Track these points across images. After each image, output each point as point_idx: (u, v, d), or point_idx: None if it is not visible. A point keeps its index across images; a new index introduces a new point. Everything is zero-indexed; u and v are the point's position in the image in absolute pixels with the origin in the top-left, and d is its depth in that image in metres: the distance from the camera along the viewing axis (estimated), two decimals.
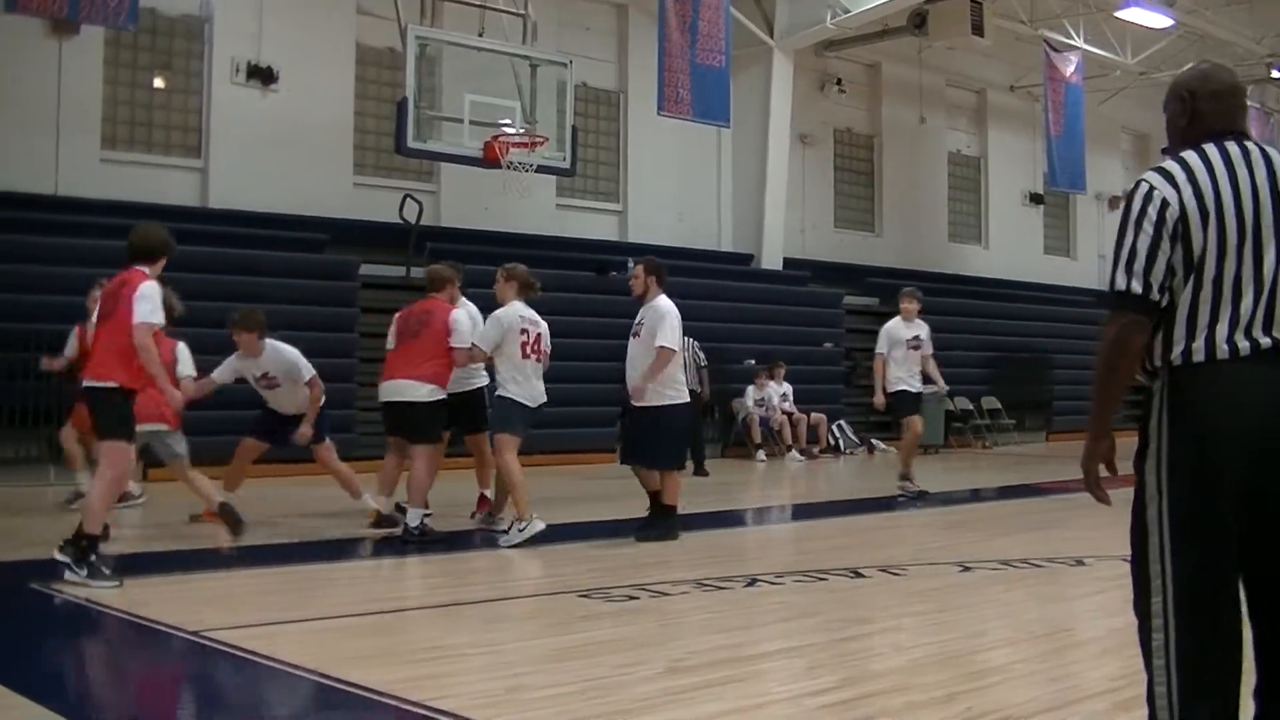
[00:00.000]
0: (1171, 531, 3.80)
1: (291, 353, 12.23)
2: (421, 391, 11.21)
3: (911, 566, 9.57)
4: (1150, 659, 3.87)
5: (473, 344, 11.19)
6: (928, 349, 15.20)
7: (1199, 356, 3.77)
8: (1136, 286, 3.79)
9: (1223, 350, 3.74)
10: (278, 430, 12.41)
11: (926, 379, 15.37)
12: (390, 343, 11.92)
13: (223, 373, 12.39)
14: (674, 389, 11.19)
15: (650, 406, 10.99)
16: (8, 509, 13.14)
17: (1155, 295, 3.79)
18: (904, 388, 14.91)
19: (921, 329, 15.26)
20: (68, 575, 8.15)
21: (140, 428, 9.33)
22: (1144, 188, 3.86)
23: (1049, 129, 27.01)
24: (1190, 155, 3.91)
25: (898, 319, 15.30)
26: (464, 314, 11.73)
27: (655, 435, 11.15)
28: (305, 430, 12.15)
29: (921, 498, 14.77)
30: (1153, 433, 3.86)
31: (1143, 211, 3.83)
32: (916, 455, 15.52)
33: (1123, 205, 3.91)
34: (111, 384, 8.60)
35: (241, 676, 6.12)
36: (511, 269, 11.55)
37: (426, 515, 10.88)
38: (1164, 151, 4.12)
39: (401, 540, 10.71)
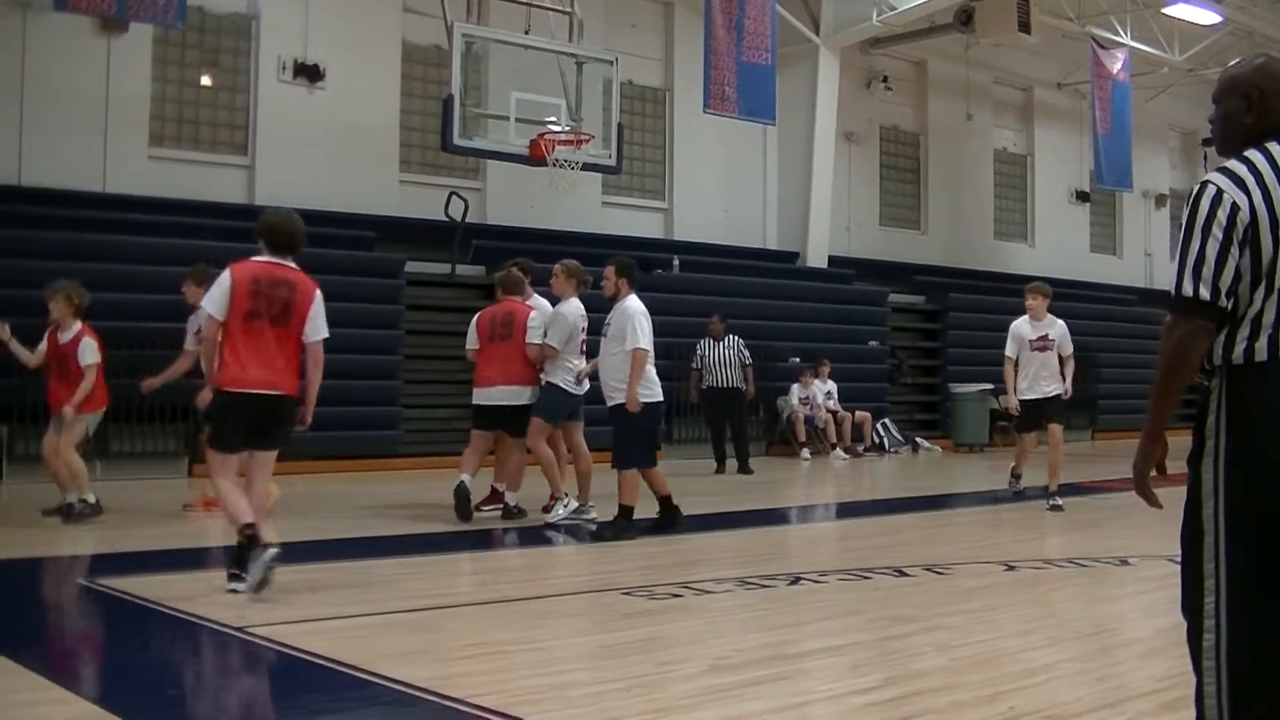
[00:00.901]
0: (1226, 531, 3.75)
1: None
2: (524, 395, 11.97)
3: (956, 565, 9.53)
4: (1200, 660, 3.84)
5: (543, 342, 11.71)
6: (1065, 348, 13.81)
7: (1261, 356, 3.72)
8: (1205, 293, 3.72)
9: None
10: None
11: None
12: (473, 343, 12.39)
13: None
14: (645, 389, 10.92)
15: (615, 405, 10.98)
16: (55, 504, 13.22)
17: (1223, 302, 3.73)
18: (1026, 398, 13.81)
19: (1052, 326, 13.84)
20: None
21: None
22: (1211, 190, 3.77)
23: (1096, 126, 26.86)
24: (1256, 156, 3.82)
25: (1024, 318, 13.99)
26: (539, 314, 12.10)
27: (617, 433, 11.14)
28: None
29: (1018, 496, 14.64)
30: (1210, 431, 3.82)
31: (1211, 215, 3.74)
32: (961, 453, 15.43)
33: (1188, 208, 3.83)
34: None
35: (281, 673, 6.14)
36: (571, 266, 11.82)
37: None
38: (1205, 143, 4.06)
39: (504, 516, 11.91)
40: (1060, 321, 13.88)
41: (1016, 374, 13.84)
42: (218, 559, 9.66)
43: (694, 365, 18.89)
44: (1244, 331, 3.74)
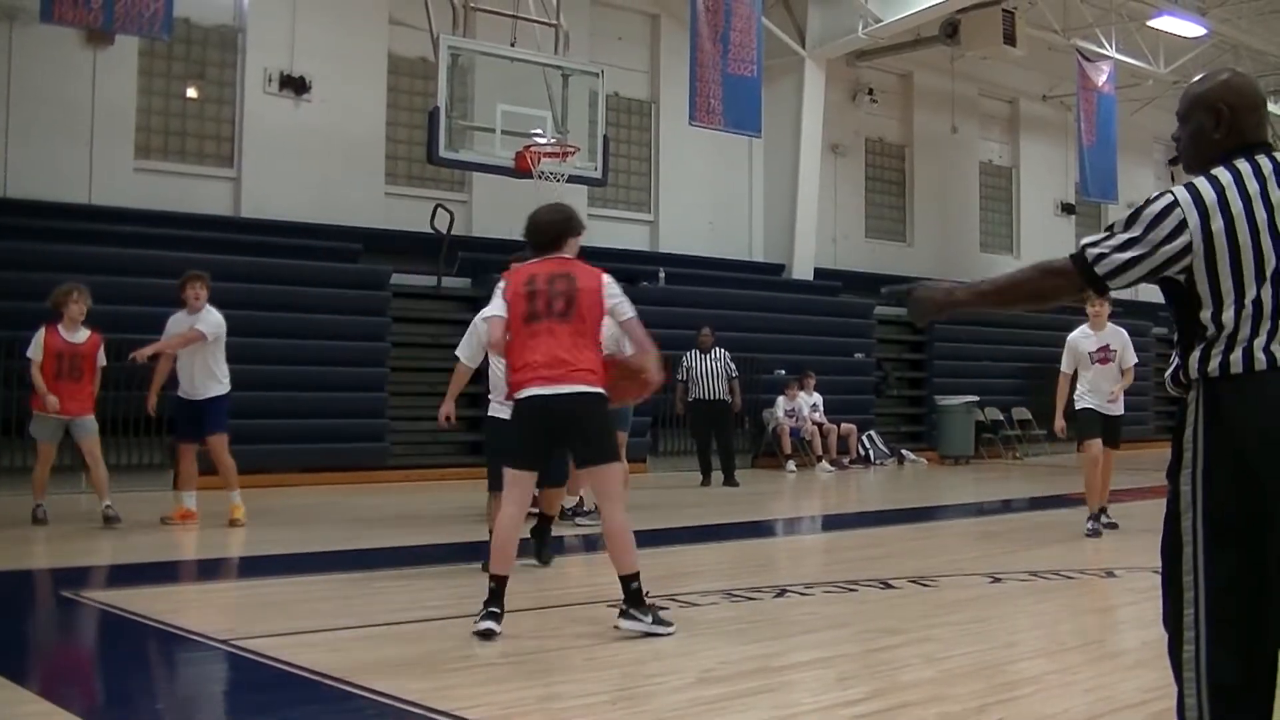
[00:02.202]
0: (1205, 542, 3.77)
1: None
2: None
3: (942, 577, 9.53)
4: (1180, 671, 3.85)
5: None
6: (1127, 359, 12.50)
7: (1236, 368, 3.74)
8: (1103, 270, 3.86)
9: (1260, 361, 3.71)
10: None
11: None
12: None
13: None
14: (496, 402, 9.87)
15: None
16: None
17: (1108, 289, 3.97)
18: (1086, 405, 12.45)
19: (1115, 336, 12.49)
20: (628, 625, 7.21)
21: None
22: (1168, 199, 3.80)
23: (1081, 138, 26.96)
24: (1224, 175, 3.81)
25: (1081, 328, 12.52)
26: None
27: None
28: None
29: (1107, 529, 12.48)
30: (1188, 443, 3.83)
31: (1156, 222, 3.79)
32: (947, 465, 15.26)
33: (1142, 204, 3.87)
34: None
35: (269, 685, 6.12)
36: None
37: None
38: (1171, 163, 4.09)
39: (572, 517, 12.52)
40: (1123, 330, 12.68)
41: (1073, 386, 12.64)
42: (204, 571, 9.65)
43: (679, 377, 18.80)
44: (1219, 345, 3.75)
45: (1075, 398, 12.51)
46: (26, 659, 6.63)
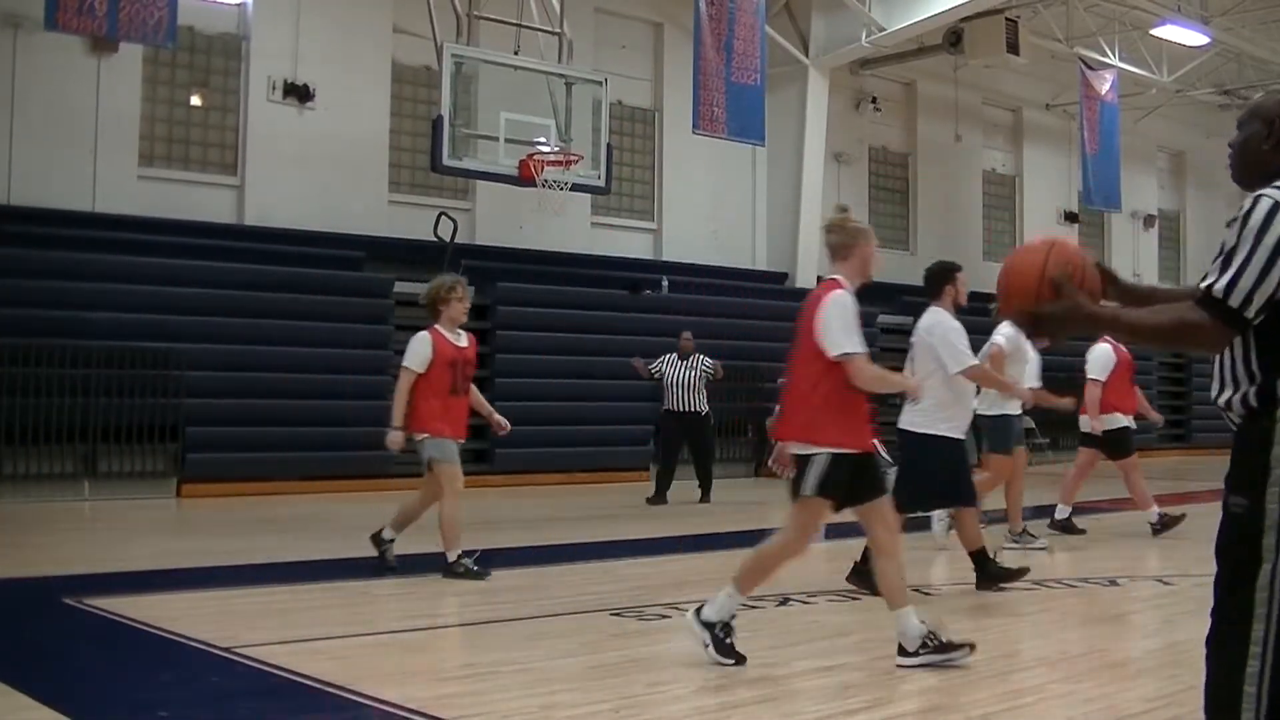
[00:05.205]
0: None
1: None
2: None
3: (945, 586, 9.53)
4: (1241, 685, 3.78)
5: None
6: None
7: None
8: (1235, 301, 3.66)
9: None
10: None
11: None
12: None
13: None
14: (942, 420, 9.76)
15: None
16: (43, 525, 13.20)
17: (1249, 313, 3.63)
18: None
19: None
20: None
21: None
22: (1267, 204, 3.66)
23: (1084, 147, 26.95)
24: None
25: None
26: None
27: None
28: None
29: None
30: (1276, 461, 3.75)
31: (1265, 226, 3.65)
32: None
33: (1240, 218, 3.73)
34: None
35: (271, 694, 6.12)
36: None
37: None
38: (1254, 169, 3.95)
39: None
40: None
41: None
42: (206, 579, 9.65)
43: (654, 372, 17.41)
44: None
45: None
46: (28, 666, 6.63)
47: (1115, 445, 13.04)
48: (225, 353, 16.83)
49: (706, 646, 6.62)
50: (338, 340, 17.78)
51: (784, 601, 8.73)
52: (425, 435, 9.89)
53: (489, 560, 9.71)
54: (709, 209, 24.43)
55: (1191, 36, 26.70)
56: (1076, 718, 5.63)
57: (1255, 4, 26.95)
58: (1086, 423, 13.06)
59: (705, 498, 17.31)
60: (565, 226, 20.91)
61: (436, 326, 10.26)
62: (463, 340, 10.34)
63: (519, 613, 8.20)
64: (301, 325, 17.61)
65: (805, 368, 6.90)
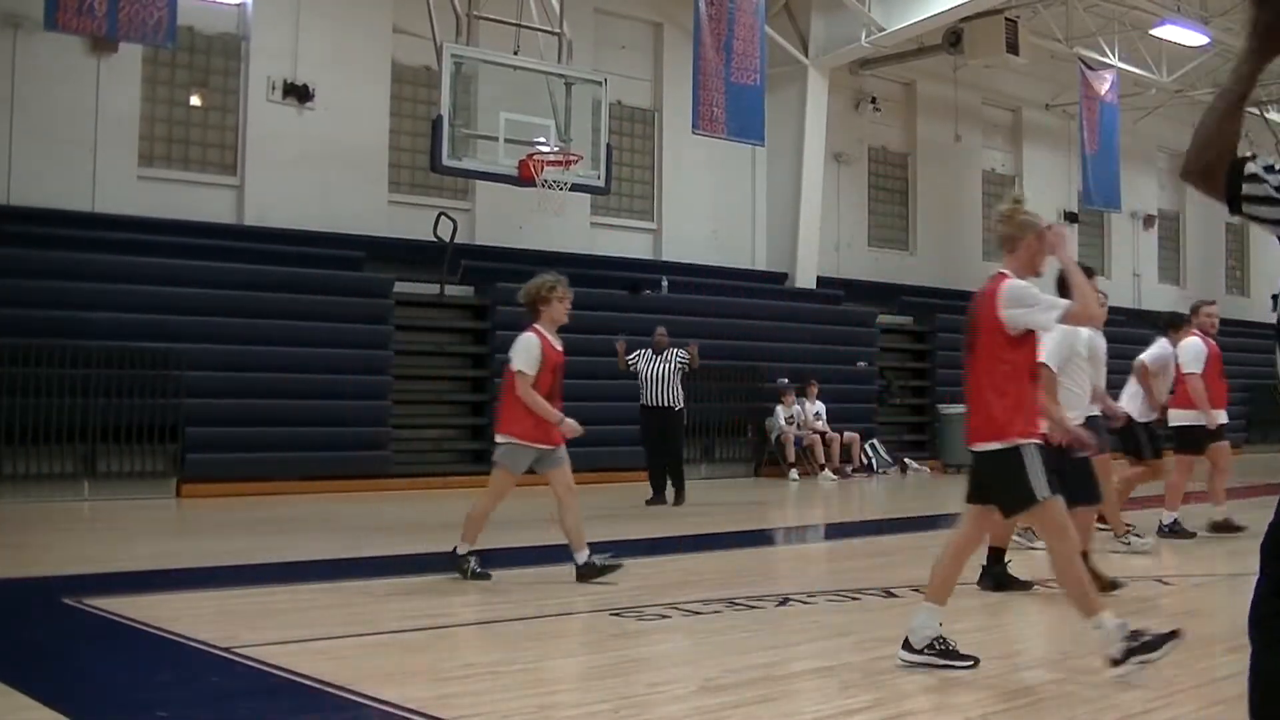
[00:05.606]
0: None
1: None
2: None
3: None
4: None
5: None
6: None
7: None
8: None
9: None
10: None
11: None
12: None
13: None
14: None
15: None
16: (43, 525, 13.20)
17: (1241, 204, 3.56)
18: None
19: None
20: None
21: None
22: None
23: (1084, 147, 26.98)
24: None
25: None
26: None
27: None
28: None
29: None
30: None
31: None
32: (950, 474, 15.13)
33: None
34: None
35: (270, 694, 6.12)
36: None
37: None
38: None
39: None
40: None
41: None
42: (206, 579, 9.65)
43: (630, 365, 17.00)
44: None
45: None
46: (28, 666, 6.63)
47: (1183, 440, 12.84)
48: (225, 353, 16.83)
49: (942, 668, 6.39)
50: (337, 340, 17.79)
51: (784, 601, 8.72)
52: (511, 439, 9.47)
53: (489, 560, 9.70)
54: (709, 209, 24.44)
55: (1191, 36, 26.74)
56: (1076, 718, 5.62)
57: None
58: (1195, 416, 12.64)
59: (679, 499, 16.60)
60: (565, 226, 20.93)
61: (538, 327, 9.78)
62: (559, 344, 9.86)
63: (519, 613, 8.20)
64: (301, 325, 17.62)
65: (991, 362, 6.58)
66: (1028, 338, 6.54)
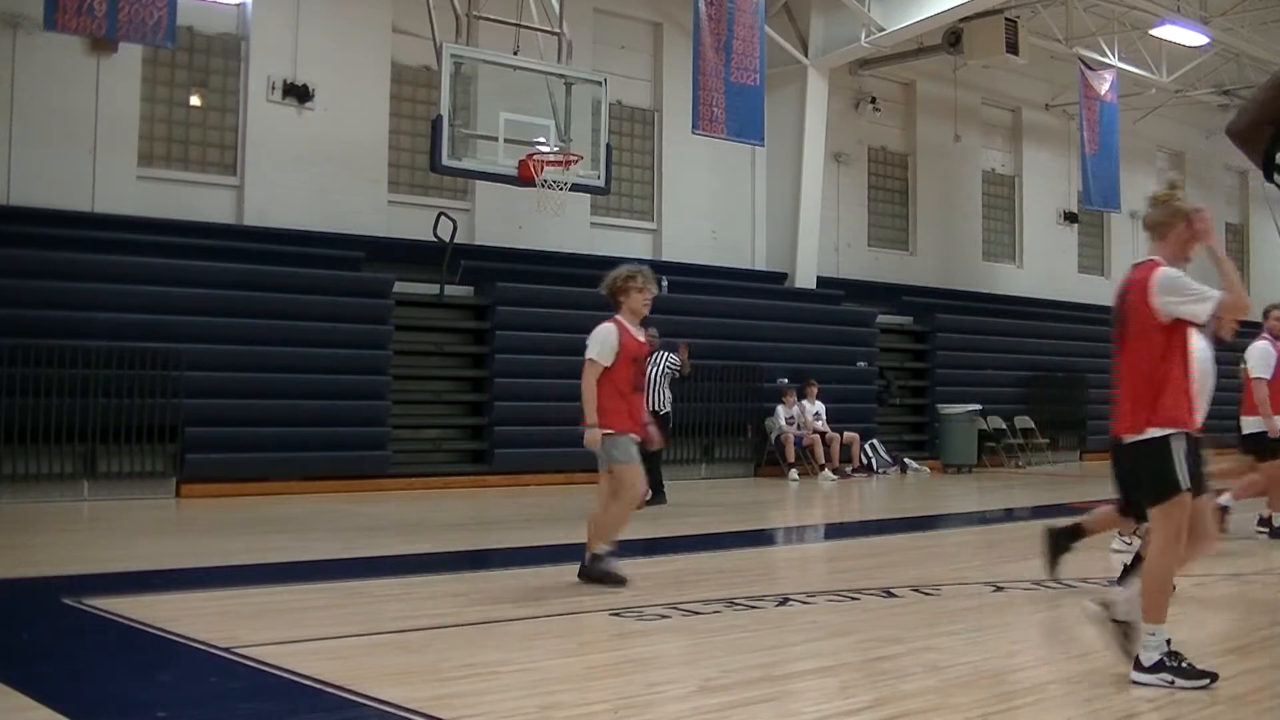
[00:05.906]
0: None
1: None
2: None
3: (945, 586, 9.53)
4: None
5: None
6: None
7: None
8: None
9: None
10: None
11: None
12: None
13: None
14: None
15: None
16: (43, 525, 13.20)
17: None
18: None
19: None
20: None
21: None
22: None
23: (1084, 147, 26.97)
24: None
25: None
26: None
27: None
28: None
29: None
30: None
31: None
32: (949, 474, 15.07)
33: None
34: None
35: (270, 694, 6.12)
36: None
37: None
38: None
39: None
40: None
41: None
42: (206, 579, 9.65)
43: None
44: None
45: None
46: (28, 666, 6.63)
47: (1255, 448, 12.47)
48: (224, 353, 16.83)
49: (1171, 684, 6.04)
50: (337, 340, 17.77)
51: (784, 601, 8.72)
52: (610, 432, 9.35)
53: (488, 560, 9.70)
54: (708, 209, 24.44)
55: (1191, 37, 26.73)
56: (1076, 718, 5.63)
57: (1255, 4, 26.99)
58: (1257, 423, 12.36)
59: (656, 500, 15.54)
60: (565, 227, 20.93)
61: (619, 318, 9.82)
62: (641, 335, 9.88)
63: (519, 613, 8.20)
64: (301, 325, 17.60)
65: (1141, 351, 6.55)
66: (1178, 326, 6.41)
